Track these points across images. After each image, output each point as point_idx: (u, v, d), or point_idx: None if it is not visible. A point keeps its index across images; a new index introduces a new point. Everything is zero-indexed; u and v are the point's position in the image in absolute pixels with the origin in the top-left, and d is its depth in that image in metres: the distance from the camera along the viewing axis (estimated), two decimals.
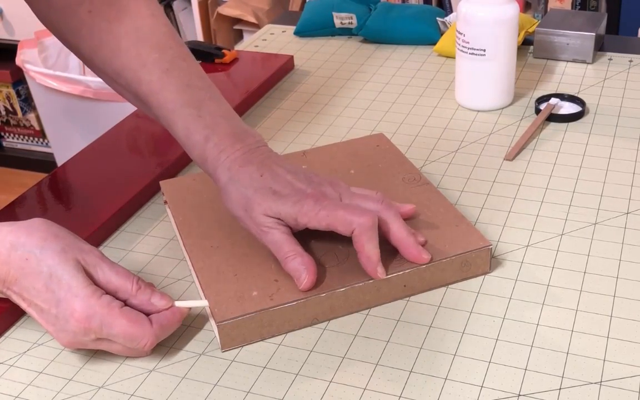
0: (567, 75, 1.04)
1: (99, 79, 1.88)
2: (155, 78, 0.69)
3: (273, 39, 1.22)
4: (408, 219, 0.69)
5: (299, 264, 0.63)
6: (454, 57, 1.00)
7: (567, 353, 0.59)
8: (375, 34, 1.17)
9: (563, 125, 0.91)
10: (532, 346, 0.60)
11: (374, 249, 0.63)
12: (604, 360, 0.58)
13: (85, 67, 2.25)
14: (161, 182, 0.79)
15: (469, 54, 0.93)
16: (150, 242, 0.75)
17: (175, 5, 2.46)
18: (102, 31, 0.70)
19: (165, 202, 0.78)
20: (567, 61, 1.07)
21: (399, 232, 0.65)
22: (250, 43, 1.21)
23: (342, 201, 0.65)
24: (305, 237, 0.67)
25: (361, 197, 0.66)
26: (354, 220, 0.62)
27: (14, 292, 0.60)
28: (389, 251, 0.65)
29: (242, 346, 0.62)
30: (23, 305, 0.60)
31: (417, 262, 0.65)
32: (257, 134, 0.69)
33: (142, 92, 0.70)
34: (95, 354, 0.62)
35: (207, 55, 1.08)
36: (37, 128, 2.75)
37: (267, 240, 0.64)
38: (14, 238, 0.60)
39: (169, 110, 0.68)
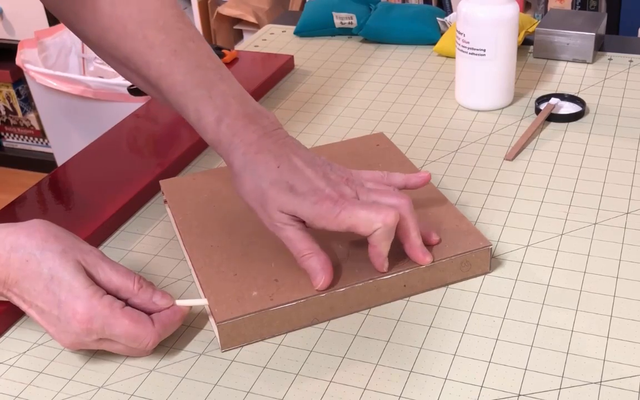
0: (567, 75, 1.04)
1: (99, 79, 1.88)
2: (164, 60, 0.67)
3: (273, 39, 1.22)
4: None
5: (316, 264, 0.62)
6: (454, 57, 1.00)
7: (567, 353, 0.59)
8: (375, 34, 1.17)
9: (563, 125, 0.91)
10: (532, 346, 0.60)
11: (387, 246, 0.63)
12: (604, 360, 0.58)
13: (85, 67, 2.25)
14: (161, 182, 0.79)
15: (469, 53, 0.93)
16: (150, 242, 0.75)
17: None
18: (107, 15, 0.69)
19: (165, 202, 0.78)
20: (567, 61, 1.07)
21: (411, 232, 0.64)
22: (250, 43, 1.21)
23: (360, 198, 0.64)
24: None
25: (378, 192, 0.64)
26: (377, 220, 0.61)
27: (14, 294, 0.60)
28: (389, 251, 0.65)
29: (242, 346, 0.62)
30: (23, 306, 0.60)
31: (419, 263, 0.65)
32: (271, 114, 0.67)
33: (151, 76, 0.68)
34: (95, 353, 0.62)
35: None
36: (37, 128, 2.75)
37: (282, 236, 0.63)
38: (14, 240, 0.60)
39: (179, 93, 0.67)
